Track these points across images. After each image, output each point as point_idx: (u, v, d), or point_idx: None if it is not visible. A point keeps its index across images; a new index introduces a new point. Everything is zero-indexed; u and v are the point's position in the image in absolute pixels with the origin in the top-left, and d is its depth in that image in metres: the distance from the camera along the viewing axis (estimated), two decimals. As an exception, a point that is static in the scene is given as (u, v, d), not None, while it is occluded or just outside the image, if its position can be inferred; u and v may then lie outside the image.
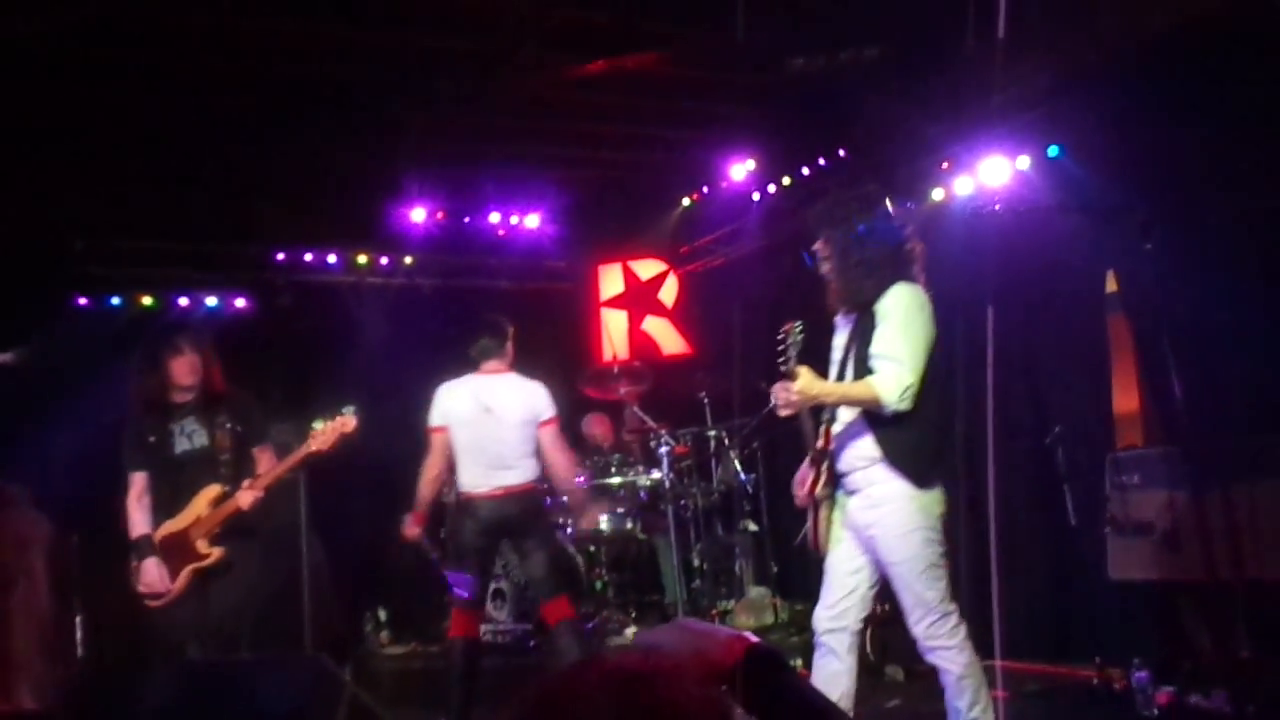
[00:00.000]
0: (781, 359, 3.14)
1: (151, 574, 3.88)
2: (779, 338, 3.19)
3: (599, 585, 6.20)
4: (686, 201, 7.27)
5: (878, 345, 3.11)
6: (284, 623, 4.85)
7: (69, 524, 4.95)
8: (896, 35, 5.12)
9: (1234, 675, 3.68)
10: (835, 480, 3.28)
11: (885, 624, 5.31)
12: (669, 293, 7.81)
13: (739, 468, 6.39)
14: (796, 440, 3.54)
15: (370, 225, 6.80)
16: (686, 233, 7.51)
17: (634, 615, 6.22)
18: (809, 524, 3.37)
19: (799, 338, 3.17)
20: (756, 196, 6.63)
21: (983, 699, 3.20)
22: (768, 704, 1.30)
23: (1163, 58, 4.41)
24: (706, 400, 6.44)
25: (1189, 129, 4.33)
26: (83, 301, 6.33)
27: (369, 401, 4.80)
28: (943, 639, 3.14)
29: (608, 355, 7.26)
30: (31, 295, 5.69)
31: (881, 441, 3.12)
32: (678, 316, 7.71)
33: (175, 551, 3.92)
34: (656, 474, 6.20)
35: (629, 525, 6.28)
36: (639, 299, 7.77)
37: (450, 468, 4.55)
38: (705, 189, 7.07)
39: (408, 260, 7.17)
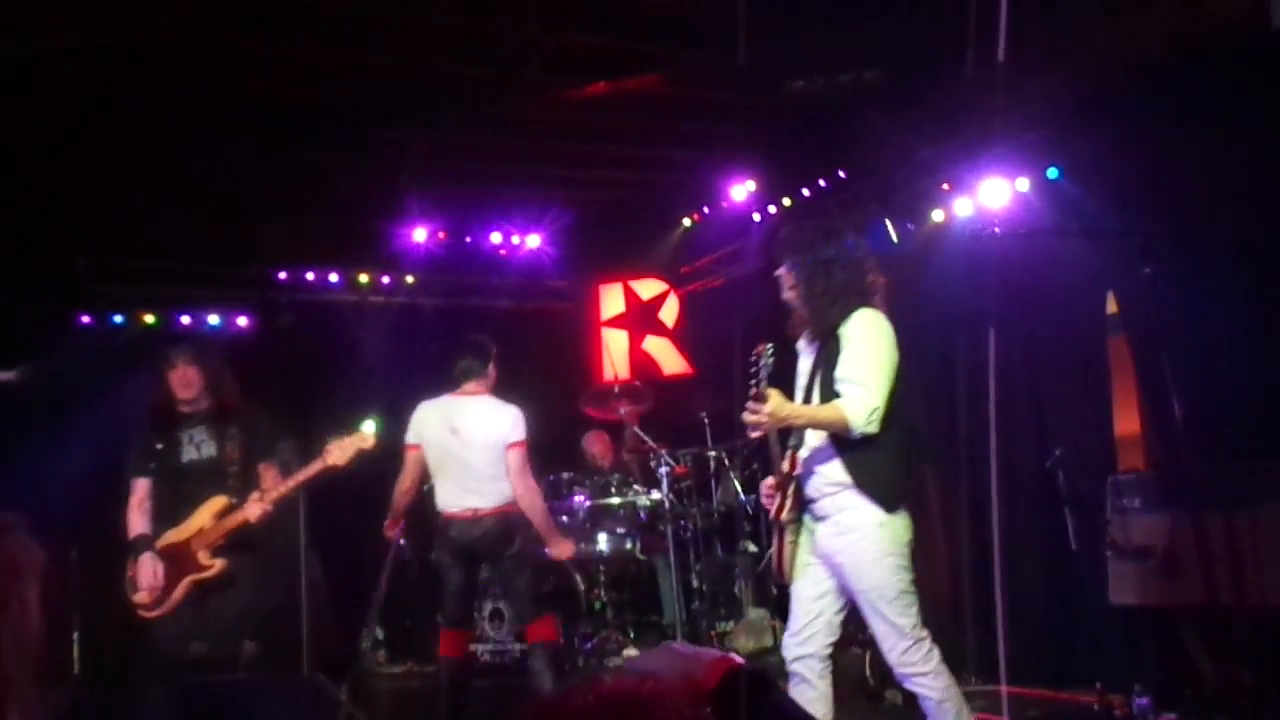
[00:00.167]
0: (753, 380, 3.19)
1: (146, 569, 3.84)
2: (751, 359, 3.24)
3: (598, 605, 6.17)
4: (687, 222, 7.29)
5: (843, 370, 3.15)
6: (281, 641, 4.82)
7: (69, 541, 4.98)
8: (896, 57, 5.15)
9: (1236, 701, 3.65)
10: (801, 505, 3.29)
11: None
12: (669, 313, 7.81)
13: (739, 488, 6.37)
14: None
15: (372, 245, 6.83)
16: (687, 253, 7.53)
17: (633, 636, 6.18)
18: (774, 550, 3.37)
19: (770, 360, 3.23)
20: (757, 217, 6.65)
21: None
22: None
23: (1162, 81, 4.42)
24: (706, 420, 6.43)
25: (1189, 152, 4.34)
26: (85, 319, 6.35)
27: (371, 416, 4.82)
28: (918, 665, 3.13)
29: (608, 375, 7.26)
30: (34, 313, 5.70)
31: (849, 466, 3.14)
32: (678, 336, 7.72)
33: (175, 561, 3.88)
34: (656, 494, 6.18)
35: (628, 545, 6.25)
36: (640, 319, 7.78)
37: (421, 484, 4.64)
38: (706, 209, 7.09)
39: (409, 280, 7.19)
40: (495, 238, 7.25)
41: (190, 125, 5.44)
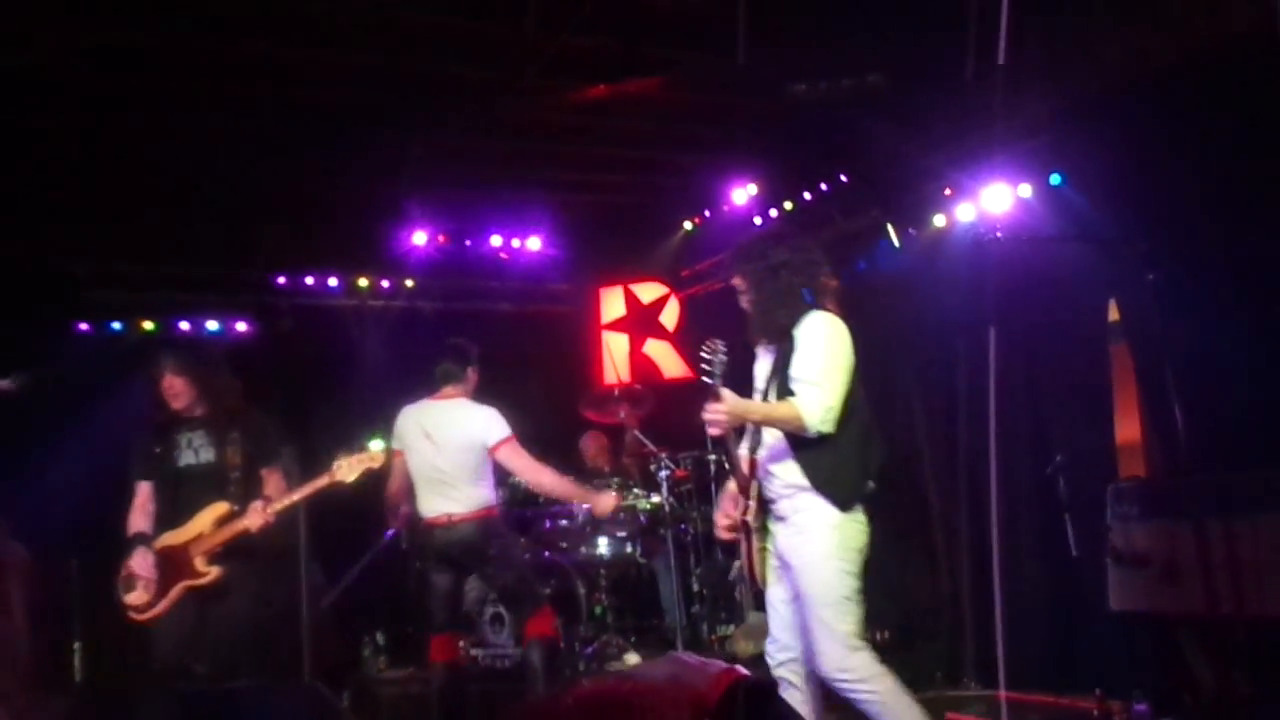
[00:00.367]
0: (706, 377, 3.20)
1: (139, 559, 3.82)
2: (703, 355, 3.26)
3: (598, 610, 6.16)
4: (688, 225, 7.28)
5: (797, 370, 3.20)
6: (282, 648, 4.82)
7: (69, 549, 4.98)
8: (899, 62, 5.13)
9: (1234, 710, 3.64)
10: (764, 509, 3.32)
11: (884, 652, 5.27)
12: (670, 316, 7.81)
13: (739, 492, 6.36)
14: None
15: (371, 248, 6.82)
16: (688, 256, 7.52)
17: (633, 640, 6.18)
18: (743, 556, 3.39)
19: (722, 356, 3.24)
20: (758, 220, 6.64)
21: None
22: None
23: (1166, 87, 4.41)
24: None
25: (1192, 159, 4.33)
26: (84, 327, 6.33)
27: (369, 424, 4.83)
28: (855, 673, 3.12)
29: (609, 378, 7.26)
30: (32, 322, 5.69)
31: (806, 467, 3.18)
32: (679, 340, 7.71)
33: (171, 566, 3.86)
34: (656, 498, 6.18)
35: (628, 550, 6.25)
36: (640, 322, 7.77)
37: (409, 488, 4.63)
38: (707, 213, 7.09)
39: (409, 284, 7.19)
40: (495, 241, 7.24)
41: (187, 130, 5.43)
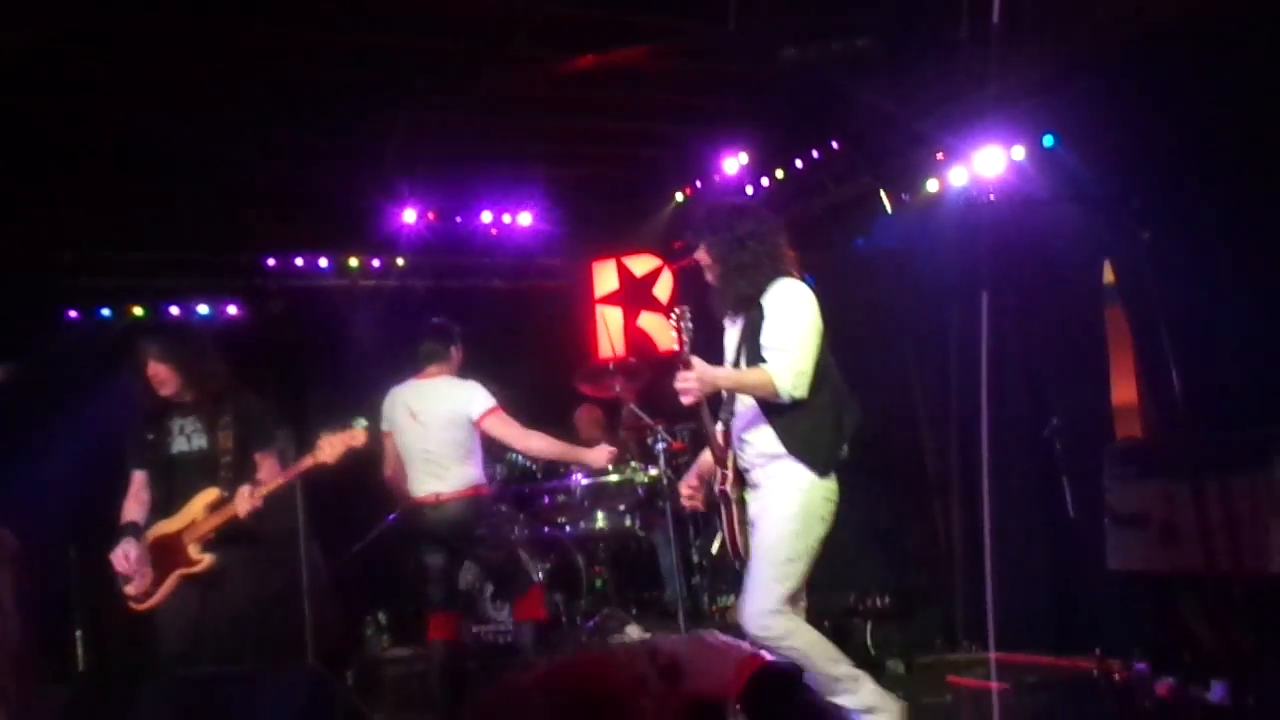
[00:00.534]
0: (676, 345, 3.24)
1: (119, 554, 3.79)
2: (671, 322, 3.30)
3: (598, 583, 6.19)
4: (680, 196, 7.22)
5: (767, 337, 3.24)
6: (285, 630, 4.83)
7: (68, 537, 4.97)
8: (890, 25, 5.08)
9: (1234, 667, 3.67)
10: (740, 479, 3.35)
11: (885, 618, 5.32)
12: (664, 288, 7.77)
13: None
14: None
15: (361, 227, 6.74)
16: (680, 228, 7.47)
17: (634, 612, 6.20)
18: (724, 529, 3.39)
19: (689, 323, 3.28)
20: (750, 190, 6.58)
21: (843, 670, 3.24)
22: None
23: (1160, 47, 4.37)
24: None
25: (1186, 118, 4.29)
26: (72, 314, 6.28)
27: (365, 403, 4.81)
28: (772, 630, 3.16)
29: (604, 352, 7.23)
30: (20, 310, 5.64)
31: (781, 433, 3.23)
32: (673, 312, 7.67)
33: (166, 555, 3.83)
34: (654, 471, 6.17)
35: (627, 522, 6.26)
36: (634, 295, 7.73)
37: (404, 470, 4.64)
38: (698, 183, 7.03)
39: (400, 262, 7.13)
40: (486, 217, 7.17)
41: (172, 113, 5.35)
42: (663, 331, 7.74)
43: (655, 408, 6.41)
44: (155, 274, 6.48)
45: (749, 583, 3.21)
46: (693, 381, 3.15)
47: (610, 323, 7.62)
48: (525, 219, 7.22)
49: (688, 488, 3.55)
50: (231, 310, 6.70)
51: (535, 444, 4.65)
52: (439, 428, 4.54)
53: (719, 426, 3.41)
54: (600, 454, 4.71)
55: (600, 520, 6.19)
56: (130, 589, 3.84)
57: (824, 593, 5.93)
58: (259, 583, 3.94)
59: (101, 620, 4.55)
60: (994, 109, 4.93)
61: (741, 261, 3.32)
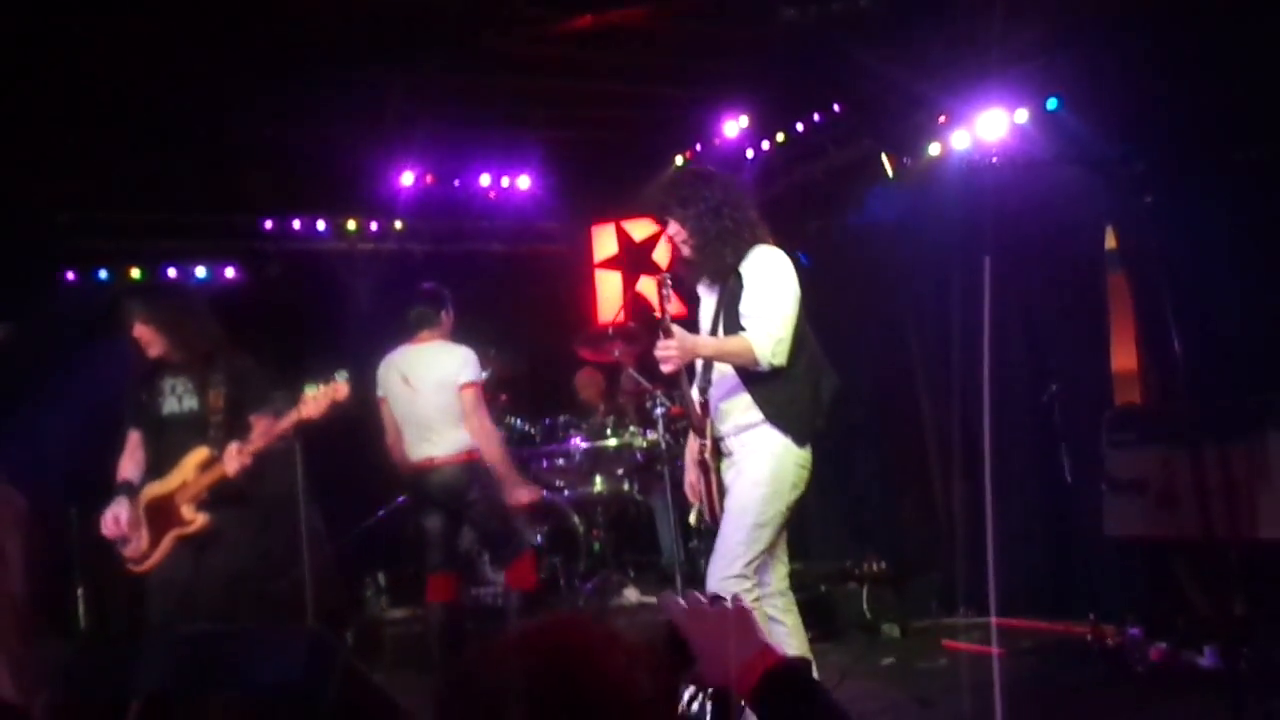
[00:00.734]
0: (657, 313, 3.21)
1: (108, 515, 3.77)
2: (654, 291, 3.24)
3: (596, 546, 6.22)
4: (679, 160, 7.16)
5: (746, 305, 3.21)
6: (285, 591, 4.85)
7: (69, 497, 4.98)
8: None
9: (1227, 632, 3.69)
10: (717, 448, 3.34)
11: (880, 582, 5.35)
12: (663, 253, 7.73)
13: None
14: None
15: (359, 191, 6.70)
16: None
17: (632, 575, 6.24)
18: (704, 497, 3.38)
19: (670, 290, 3.25)
20: (750, 154, 6.53)
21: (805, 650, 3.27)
22: None
23: (1164, 8, 4.31)
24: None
25: (1190, 80, 4.24)
26: (70, 276, 6.25)
27: (363, 367, 4.80)
28: (736, 594, 3.11)
29: (603, 317, 7.21)
30: (17, 271, 5.62)
31: (761, 401, 3.21)
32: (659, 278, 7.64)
33: (160, 516, 3.82)
34: (652, 435, 6.18)
35: (625, 487, 6.28)
36: (633, 260, 7.69)
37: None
38: (698, 146, 6.96)
39: (398, 225, 7.08)
40: (484, 180, 7.12)
41: (170, 74, 5.29)
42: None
43: (654, 372, 6.38)
44: (153, 236, 6.44)
45: (718, 545, 3.20)
46: (673, 349, 3.12)
47: (608, 287, 7.59)
48: (524, 182, 7.17)
49: (690, 487, 3.51)
50: (229, 273, 6.67)
51: (484, 439, 4.59)
52: (430, 392, 4.55)
53: (697, 395, 3.39)
54: (525, 493, 4.69)
55: (599, 484, 6.21)
56: (128, 551, 3.84)
57: (821, 559, 5.99)
58: (254, 543, 3.92)
59: (102, 578, 4.56)
60: (997, 71, 4.87)
61: (722, 229, 3.26)
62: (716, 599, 1.39)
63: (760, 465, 3.19)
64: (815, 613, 5.10)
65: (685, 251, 3.35)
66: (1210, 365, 3.94)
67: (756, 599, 3.17)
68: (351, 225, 7.00)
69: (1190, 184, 4.16)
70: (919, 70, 5.26)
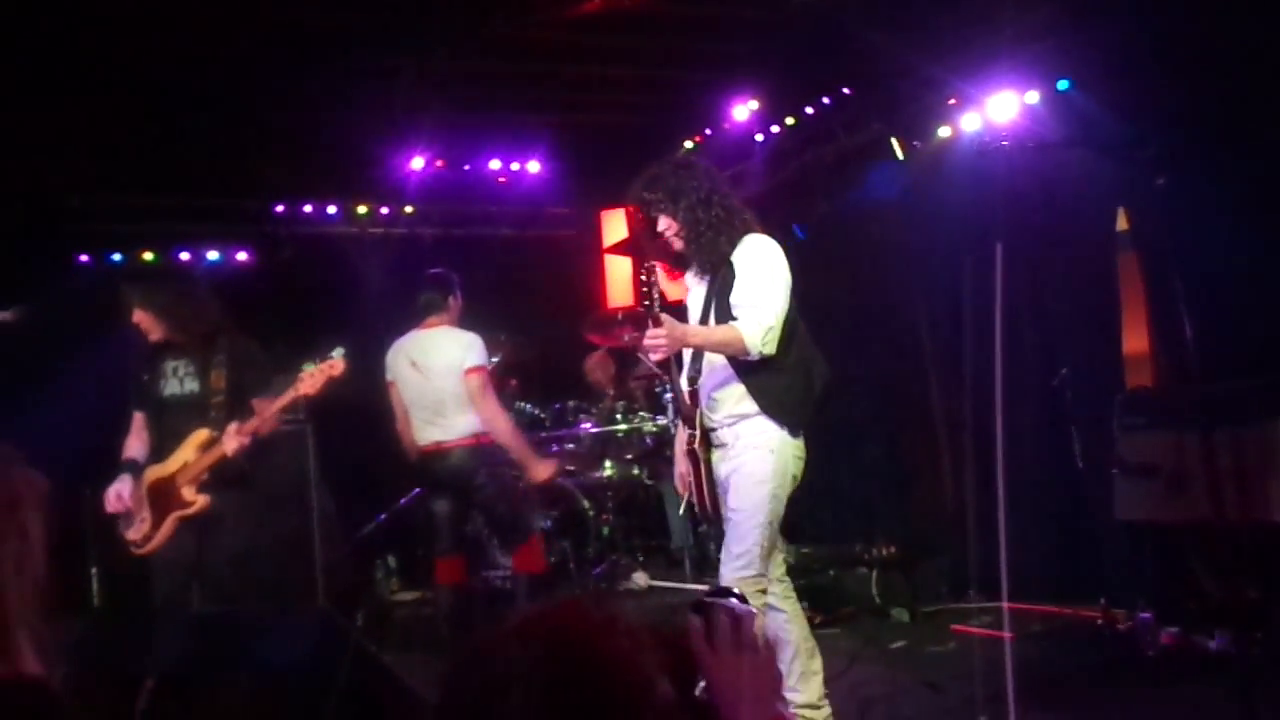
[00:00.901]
0: (645, 303, 3.15)
1: (111, 492, 3.79)
2: (641, 279, 3.22)
3: (606, 530, 6.24)
4: (689, 144, 7.14)
5: (737, 294, 3.17)
6: (295, 574, 4.89)
7: (82, 477, 5.02)
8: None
9: (1239, 616, 3.67)
10: (707, 438, 3.30)
11: (889, 566, 5.34)
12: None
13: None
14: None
15: (369, 175, 6.72)
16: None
17: (641, 559, 6.27)
18: (694, 488, 3.35)
19: (657, 278, 3.20)
20: (760, 138, 6.50)
21: (797, 669, 3.23)
22: None
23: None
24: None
25: (1203, 63, 4.19)
26: (84, 259, 6.29)
27: (373, 351, 4.82)
28: (754, 592, 3.12)
29: (612, 302, 7.21)
30: (31, 253, 5.66)
31: (754, 391, 3.17)
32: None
33: (162, 498, 3.82)
34: (662, 420, 6.19)
35: (635, 471, 6.29)
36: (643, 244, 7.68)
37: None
38: (708, 131, 6.94)
39: (408, 210, 7.10)
40: (494, 165, 7.13)
41: (183, 58, 5.31)
42: (671, 282, 7.71)
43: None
44: (166, 219, 6.48)
45: (730, 547, 3.16)
46: (662, 338, 3.07)
47: (618, 272, 7.59)
48: (534, 167, 7.17)
49: (680, 478, 3.48)
50: (241, 256, 6.71)
51: (494, 423, 4.60)
52: (438, 377, 4.57)
53: (686, 385, 3.35)
54: (544, 469, 4.72)
55: (608, 469, 6.23)
56: (131, 533, 3.85)
57: (830, 542, 5.99)
58: (258, 525, 3.90)
59: (115, 556, 4.60)
60: (1007, 53, 4.82)
61: (714, 219, 3.21)
62: (730, 592, 1.36)
63: (762, 462, 3.15)
64: (825, 596, 5.11)
65: (676, 245, 3.28)
66: (1222, 348, 3.91)
67: (763, 590, 3.16)
68: (362, 209, 7.03)
69: (1202, 166, 4.12)
70: (928, 53, 5.22)
